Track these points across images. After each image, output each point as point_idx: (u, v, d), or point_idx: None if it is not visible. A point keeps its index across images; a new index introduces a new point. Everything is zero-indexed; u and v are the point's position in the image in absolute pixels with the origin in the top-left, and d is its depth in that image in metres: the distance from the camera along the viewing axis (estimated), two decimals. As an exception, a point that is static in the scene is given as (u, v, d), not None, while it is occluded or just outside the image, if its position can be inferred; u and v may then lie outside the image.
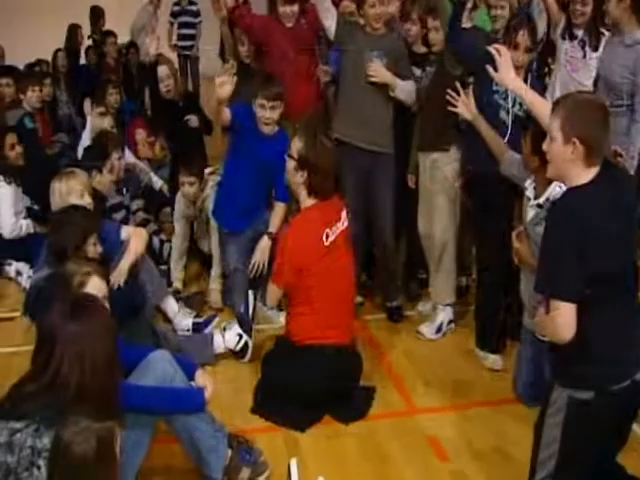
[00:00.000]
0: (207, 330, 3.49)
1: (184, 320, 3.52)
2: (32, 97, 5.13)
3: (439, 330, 3.53)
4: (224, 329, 3.31)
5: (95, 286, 2.37)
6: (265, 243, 3.52)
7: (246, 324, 3.32)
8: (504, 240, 2.94)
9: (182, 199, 4.02)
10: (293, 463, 2.37)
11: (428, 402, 3.01)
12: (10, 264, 4.11)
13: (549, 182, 2.66)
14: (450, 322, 3.57)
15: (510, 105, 3.07)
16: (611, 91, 3.52)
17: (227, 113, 3.42)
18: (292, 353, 2.91)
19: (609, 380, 1.99)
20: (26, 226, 4.19)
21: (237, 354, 3.29)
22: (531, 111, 2.61)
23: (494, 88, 3.05)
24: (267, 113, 3.44)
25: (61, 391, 1.82)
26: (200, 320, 3.54)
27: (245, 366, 3.28)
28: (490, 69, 2.66)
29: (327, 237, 2.87)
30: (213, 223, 3.84)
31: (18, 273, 4.07)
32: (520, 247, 2.77)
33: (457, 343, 3.48)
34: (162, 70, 4.44)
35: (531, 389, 2.87)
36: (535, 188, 2.78)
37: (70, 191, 3.36)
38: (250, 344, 3.29)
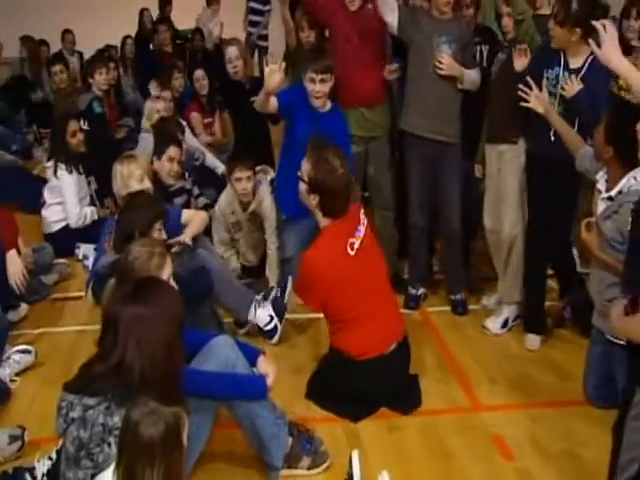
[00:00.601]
0: (285, 301, 3.42)
1: (264, 313, 3.38)
2: (99, 80, 5.25)
3: (505, 325, 3.44)
4: (258, 305, 3.35)
5: (168, 268, 2.39)
6: None
7: (279, 308, 3.35)
8: (566, 227, 2.84)
9: (226, 209, 3.82)
10: (355, 454, 2.32)
11: (493, 399, 2.94)
12: (78, 247, 4.22)
13: (622, 174, 2.54)
14: (516, 318, 3.47)
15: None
16: None
17: (274, 101, 3.42)
18: (350, 367, 2.80)
19: None
20: (90, 213, 4.31)
21: (265, 333, 3.32)
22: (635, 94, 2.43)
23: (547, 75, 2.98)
24: (317, 86, 3.42)
25: (127, 374, 1.85)
26: (277, 295, 3.45)
27: (307, 354, 3.28)
28: (593, 45, 2.50)
29: (352, 246, 2.78)
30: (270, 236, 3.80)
31: (85, 257, 4.18)
32: (588, 238, 2.66)
33: (520, 339, 3.38)
34: (231, 51, 4.35)
35: (600, 390, 2.77)
36: (607, 181, 2.66)
37: (130, 175, 3.43)
38: (280, 328, 3.32)
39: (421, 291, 3.75)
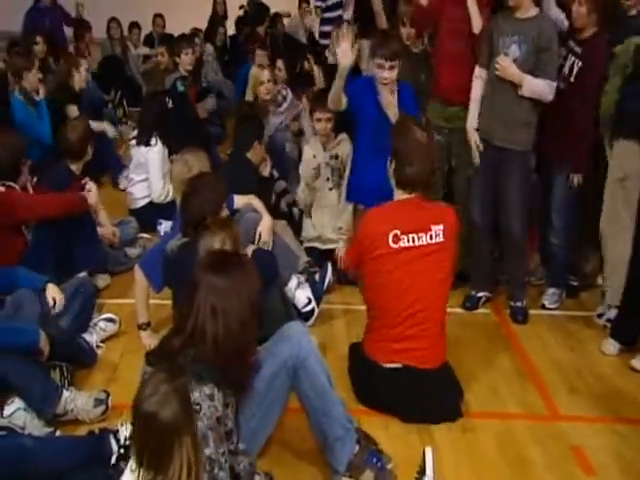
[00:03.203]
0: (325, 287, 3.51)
1: (303, 294, 3.44)
2: (185, 60, 5.37)
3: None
4: (298, 285, 3.38)
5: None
6: None
7: (317, 293, 3.40)
8: None
9: (308, 154, 4.02)
10: (429, 451, 2.29)
11: (573, 409, 2.84)
12: (160, 223, 4.33)
13: None
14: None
15: None
16: None
17: (344, 97, 3.44)
18: (376, 373, 2.76)
19: None
20: (173, 190, 4.39)
21: (301, 315, 3.34)
22: None
23: None
24: (385, 73, 3.38)
25: (200, 343, 1.87)
26: (317, 280, 3.52)
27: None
28: None
29: (396, 239, 2.66)
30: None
31: (166, 233, 4.28)
32: None
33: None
34: None
35: None
36: None
37: (191, 170, 3.41)
38: (316, 311, 3.37)
39: (482, 294, 3.63)
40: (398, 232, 2.67)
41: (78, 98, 5.18)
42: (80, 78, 5.23)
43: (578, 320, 3.55)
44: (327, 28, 6.20)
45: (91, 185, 3.61)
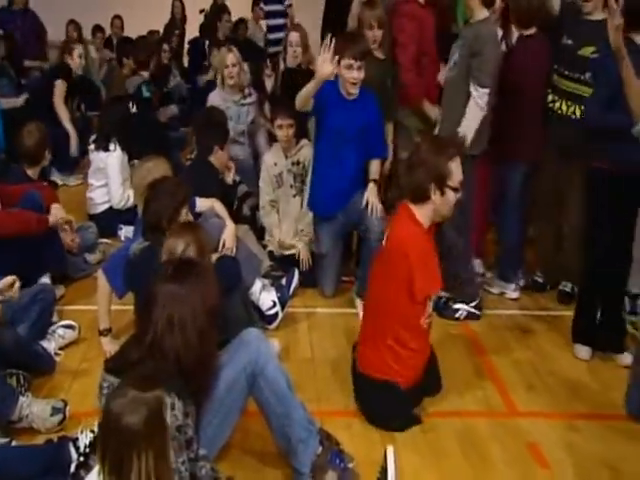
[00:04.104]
0: (290, 292, 3.54)
1: (268, 297, 3.45)
2: (150, 64, 5.33)
3: None
4: (263, 288, 3.39)
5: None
6: (371, 188, 3.57)
7: (283, 297, 3.43)
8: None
9: (269, 161, 4.06)
10: (390, 450, 2.31)
11: (531, 406, 2.90)
12: (121, 228, 4.29)
13: None
14: None
15: None
16: None
17: (312, 100, 3.47)
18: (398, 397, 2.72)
19: None
20: (133, 196, 4.34)
21: (264, 318, 3.37)
22: None
23: None
24: (355, 73, 3.41)
25: (160, 356, 1.86)
26: (283, 284, 3.54)
27: (343, 348, 3.28)
28: None
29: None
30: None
31: (127, 238, 4.24)
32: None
33: (563, 347, 3.34)
34: (294, 36, 4.58)
35: None
36: None
37: (152, 176, 3.37)
38: (280, 316, 3.40)
39: (442, 295, 3.61)
40: None
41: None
42: (75, 64, 5.34)
43: (536, 319, 3.64)
44: (273, 35, 6.36)
45: (57, 208, 3.55)
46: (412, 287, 2.56)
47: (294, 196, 4.09)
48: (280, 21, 6.22)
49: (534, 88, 3.63)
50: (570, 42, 3.50)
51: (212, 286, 2.00)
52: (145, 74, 5.32)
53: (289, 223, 4.06)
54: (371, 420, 2.72)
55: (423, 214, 2.63)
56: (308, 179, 3.98)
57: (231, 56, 4.56)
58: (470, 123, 3.39)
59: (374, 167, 3.67)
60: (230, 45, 4.98)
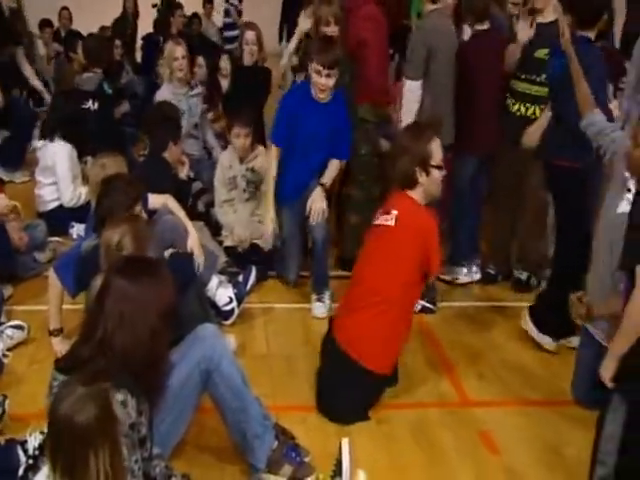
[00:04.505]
0: (247, 288, 3.52)
1: (225, 293, 3.45)
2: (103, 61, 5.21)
3: None
4: (220, 284, 3.40)
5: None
6: (318, 192, 3.53)
7: (240, 293, 3.44)
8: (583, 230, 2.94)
9: (224, 162, 4.07)
10: (345, 442, 2.33)
11: (482, 395, 2.97)
12: (72, 226, 4.21)
13: None
14: None
15: None
16: None
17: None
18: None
19: None
20: (85, 194, 4.26)
21: (220, 314, 3.38)
22: None
23: None
24: (322, 80, 3.44)
25: (109, 352, 1.84)
26: (239, 281, 3.53)
27: (298, 343, 3.31)
28: None
29: (376, 219, 2.84)
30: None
31: (79, 236, 4.16)
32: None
33: (514, 337, 3.42)
34: (250, 34, 4.64)
35: (590, 393, 2.79)
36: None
37: (107, 173, 3.32)
38: (236, 312, 3.40)
39: None
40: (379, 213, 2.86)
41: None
42: None
43: (488, 310, 3.72)
44: (229, 46, 6.46)
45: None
46: (430, 262, 2.72)
47: (246, 200, 4.13)
48: (234, 32, 6.34)
49: (486, 83, 3.72)
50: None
51: (166, 283, 1.98)
52: (99, 71, 5.20)
53: (242, 228, 4.05)
54: (331, 402, 2.73)
55: (418, 198, 2.78)
56: (264, 185, 4.01)
57: (180, 49, 4.54)
58: (405, 116, 3.57)
59: (331, 170, 3.66)
60: (178, 38, 4.95)
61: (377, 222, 2.82)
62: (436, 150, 2.76)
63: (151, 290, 1.89)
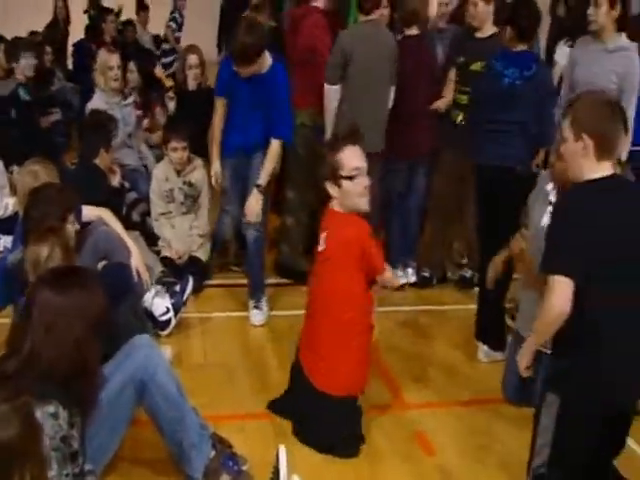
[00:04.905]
0: (184, 298, 3.48)
1: (162, 303, 3.41)
2: (25, 65, 5.03)
3: None
4: (157, 293, 3.38)
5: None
6: (253, 194, 3.44)
7: (177, 303, 3.42)
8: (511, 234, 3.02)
9: (159, 175, 4.05)
10: (282, 450, 2.34)
11: (418, 398, 3.03)
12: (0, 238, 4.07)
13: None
14: None
15: None
16: None
17: None
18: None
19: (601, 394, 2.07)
20: (12, 204, 4.13)
21: (157, 324, 3.35)
22: None
23: None
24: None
25: (36, 365, 1.80)
26: (177, 291, 3.49)
27: (236, 352, 3.30)
28: None
29: (319, 242, 2.74)
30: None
31: (6, 249, 4.02)
32: (524, 247, 2.78)
33: (447, 340, 3.52)
34: (193, 59, 4.62)
35: (519, 393, 2.89)
36: (558, 192, 2.79)
37: (38, 181, 3.21)
38: (173, 322, 3.39)
39: None
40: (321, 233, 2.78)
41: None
42: None
43: (422, 314, 3.81)
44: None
45: None
46: (373, 266, 2.64)
47: (184, 213, 4.11)
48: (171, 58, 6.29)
49: (412, 88, 3.87)
50: (463, 59, 3.83)
51: (94, 294, 1.94)
52: (20, 77, 5.04)
53: (179, 242, 4.03)
54: (315, 438, 2.65)
55: (341, 211, 2.67)
56: (200, 200, 4.05)
57: (114, 57, 4.46)
58: (326, 120, 3.76)
59: (268, 160, 3.45)
60: (111, 47, 4.87)
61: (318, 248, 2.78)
62: (347, 160, 2.61)
63: (78, 301, 1.85)
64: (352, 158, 2.63)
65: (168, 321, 3.40)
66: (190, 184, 4.08)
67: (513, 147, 3.27)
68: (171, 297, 3.43)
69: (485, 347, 3.37)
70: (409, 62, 3.86)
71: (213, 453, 2.39)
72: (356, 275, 2.65)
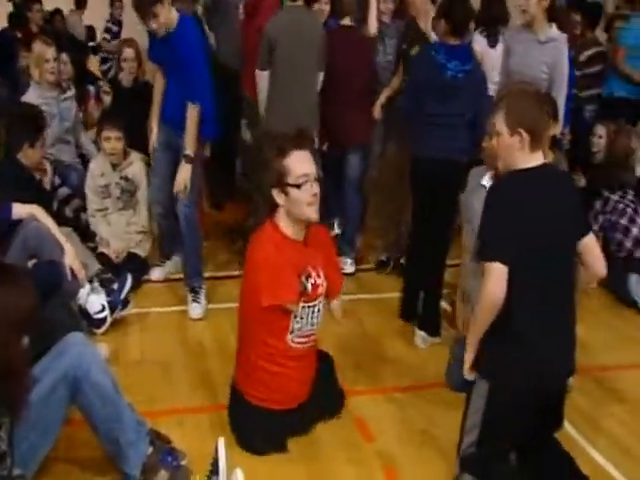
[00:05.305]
0: (122, 296, 3.43)
1: (97, 300, 3.34)
2: None
3: None
4: (92, 290, 3.31)
5: None
6: (181, 166, 3.42)
7: (114, 302, 3.36)
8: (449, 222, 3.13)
9: (95, 170, 3.96)
10: (221, 442, 2.32)
11: (356, 384, 3.06)
12: None
13: None
14: None
15: None
16: None
17: None
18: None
19: (529, 375, 2.14)
20: None
21: (92, 322, 3.29)
22: None
23: None
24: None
25: None
26: (114, 289, 3.44)
27: (174, 347, 3.26)
28: None
29: None
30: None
31: None
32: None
33: (385, 326, 3.57)
34: (128, 52, 4.55)
35: (463, 383, 2.92)
36: (491, 178, 2.87)
37: None
38: (109, 320, 3.31)
39: None
40: None
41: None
42: None
43: (361, 302, 3.84)
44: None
45: None
46: (258, 290, 2.44)
47: (120, 209, 4.02)
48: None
49: (344, 76, 3.94)
50: (405, 47, 3.98)
51: (21, 292, 1.88)
52: None
53: (116, 240, 3.95)
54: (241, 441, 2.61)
55: (284, 224, 2.49)
56: (138, 195, 3.97)
57: (51, 50, 4.32)
58: (259, 105, 3.89)
59: (188, 125, 3.37)
60: (47, 38, 4.70)
61: None
62: (295, 166, 2.42)
63: (4, 299, 1.80)
64: (300, 164, 2.43)
65: (104, 319, 3.33)
66: (127, 179, 3.99)
67: (457, 140, 3.34)
68: (108, 295, 3.36)
69: (423, 333, 3.44)
70: (341, 51, 3.92)
71: (151, 449, 2.36)
72: (250, 291, 2.52)
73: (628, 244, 4.18)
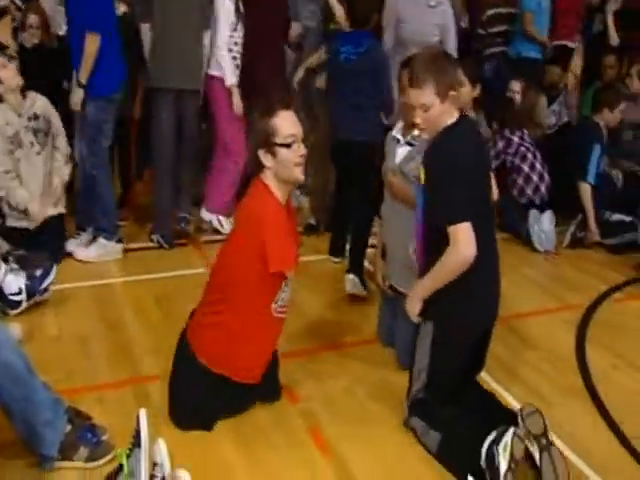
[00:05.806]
0: (42, 286, 3.29)
1: (15, 281, 3.22)
2: None
3: None
4: (11, 270, 3.20)
5: None
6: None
7: (33, 288, 3.23)
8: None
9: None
10: (142, 412, 2.25)
11: (292, 346, 3.02)
12: None
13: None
14: None
15: None
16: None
17: None
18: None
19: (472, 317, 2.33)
20: None
21: (6, 302, 3.18)
22: None
23: None
24: None
25: None
26: (36, 275, 3.29)
27: (93, 322, 3.19)
28: None
29: None
30: None
31: None
32: (394, 180, 2.87)
33: (309, 292, 3.59)
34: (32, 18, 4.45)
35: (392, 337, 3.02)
36: (402, 128, 2.92)
37: None
38: (24, 305, 3.21)
39: None
40: None
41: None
42: None
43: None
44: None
45: None
46: (265, 256, 2.32)
47: (38, 154, 3.80)
48: None
49: (257, 28, 4.07)
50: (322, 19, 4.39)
51: None
52: None
53: (36, 186, 3.76)
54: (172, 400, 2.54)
55: (272, 185, 2.40)
56: (53, 130, 3.87)
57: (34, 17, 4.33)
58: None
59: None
60: None
61: None
62: (283, 126, 2.36)
63: None
64: (288, 123, 2.38)
65: (19, 302, 3.21)
66: (36, 116, 3.77)
67: (368, 121, 3.63)
68: (28, 279, 3.22)
69: (356, 279, 3.56)
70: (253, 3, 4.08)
71: (69, 428, 2.30)
72: (244, 259, 2.39)
73: (529, 191, 4.61)
